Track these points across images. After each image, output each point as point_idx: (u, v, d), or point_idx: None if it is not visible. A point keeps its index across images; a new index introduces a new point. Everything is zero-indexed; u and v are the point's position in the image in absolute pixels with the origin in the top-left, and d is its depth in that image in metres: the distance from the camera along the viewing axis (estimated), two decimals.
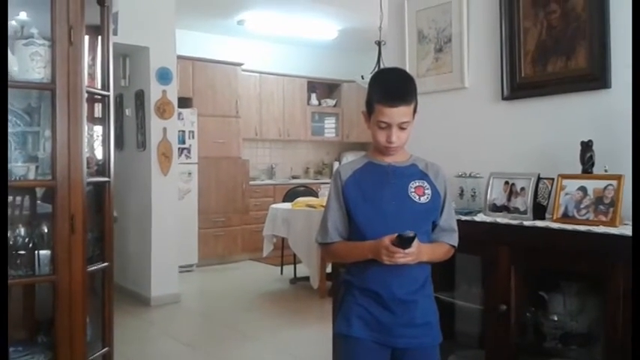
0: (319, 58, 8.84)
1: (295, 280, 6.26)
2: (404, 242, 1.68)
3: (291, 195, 6.85)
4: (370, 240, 1.78)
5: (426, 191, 1.86)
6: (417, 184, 1.86)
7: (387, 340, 1.83)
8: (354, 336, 1.85)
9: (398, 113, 1.78)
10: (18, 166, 2.33)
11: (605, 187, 2.14)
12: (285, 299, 5.71)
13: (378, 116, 1.80)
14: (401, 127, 1.80)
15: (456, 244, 1.93)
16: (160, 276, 5.29)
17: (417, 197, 1.84)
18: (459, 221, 2.00)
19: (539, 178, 2.39)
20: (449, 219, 1.92)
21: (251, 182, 7.81)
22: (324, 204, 1.99)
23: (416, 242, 1.70)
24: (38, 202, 2.57)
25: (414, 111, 1.83)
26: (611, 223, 2.07)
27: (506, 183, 2.48)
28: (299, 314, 5.06)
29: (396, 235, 1.68)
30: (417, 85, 1.86)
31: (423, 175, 1.89)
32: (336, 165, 8.64)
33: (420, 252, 1.74)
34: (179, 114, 6.02)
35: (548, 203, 2.37)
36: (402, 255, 1.69)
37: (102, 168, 2.62)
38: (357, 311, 1.85)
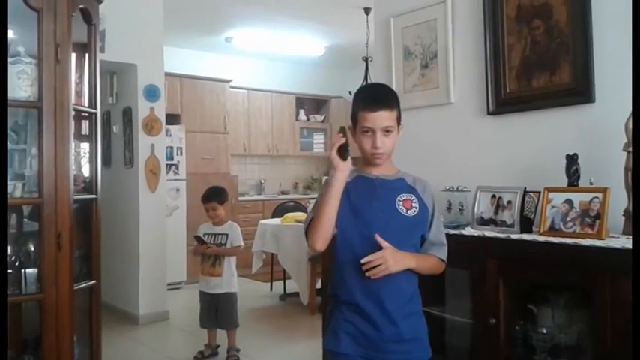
0: (307, 74, 8.88)
1: (285, 296, 6.23)
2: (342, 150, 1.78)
3: (280, 210, 6.83)
4: (359, 252, 1.76)
5: (414, 205, 1.87)
6: (405, 197, 1.87)
7: (375, 356, 1.82)
8: (343, 352, 1.83)
9: (380, 117, 1.81)
10: None
11: (591, 200, 2.15)
12: (274, 315, 5.67)
13: (361, 122, 1.83)
14: (385, 132, 1.82)
15: (445, 258, 1.93)
16: (148, 293, 5.24)
17: (405, 210, 1.85)
18: (447, 235, 2.00)
19: (525, 192, 2.41)
20: (438, 233, 1.93)
21: (240, 198, 7.79)
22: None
23: (387, 246, 1.73)
24: (25, 219, 2.55)
25: (398, 121, 1.86)
26: (598, 235, 2.08)
27: (493, 197, 2.49)
28: (289, 330, 5.03)
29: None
30: (399, 99, 1.90)
31: (411, 189, 1.90)
32: (324, 180, 8.63)
33: (394, 255, 1.74)
34: (167, 130, 6.01)
35: (534, 216, 2.39)
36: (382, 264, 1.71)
37: (89, 185, 2.61)
38: (345, 327, 1.84)
